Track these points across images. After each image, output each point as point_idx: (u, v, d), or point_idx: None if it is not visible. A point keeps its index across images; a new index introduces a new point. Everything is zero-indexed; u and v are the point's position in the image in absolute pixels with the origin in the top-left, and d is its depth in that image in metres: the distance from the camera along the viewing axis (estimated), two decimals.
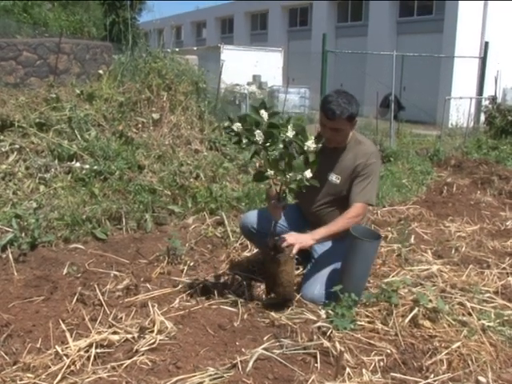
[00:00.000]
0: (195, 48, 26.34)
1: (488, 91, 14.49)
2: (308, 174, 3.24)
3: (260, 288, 3.87)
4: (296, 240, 3.52)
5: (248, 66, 20.97)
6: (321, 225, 3.72)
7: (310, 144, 3.26)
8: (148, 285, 3.92)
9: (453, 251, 4.90)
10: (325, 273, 3.77)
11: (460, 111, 13.93)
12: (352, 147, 3.85)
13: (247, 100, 14.17)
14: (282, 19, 34.04)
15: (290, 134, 3.26)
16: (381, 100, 15.54)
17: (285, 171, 3.26)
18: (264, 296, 3.73)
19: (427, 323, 3.39)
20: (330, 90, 12.87)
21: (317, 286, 3.71)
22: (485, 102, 13.88)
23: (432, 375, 2.91)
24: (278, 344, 3.09)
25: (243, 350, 3.04)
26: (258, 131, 3.26)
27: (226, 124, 3.45)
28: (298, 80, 21.42)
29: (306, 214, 4.05)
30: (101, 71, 8.61)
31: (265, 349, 3.00)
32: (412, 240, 5.06)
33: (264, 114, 3.30)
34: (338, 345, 3.06)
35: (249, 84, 20.38)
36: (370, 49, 21.53)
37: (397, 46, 21.38)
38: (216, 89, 10.34)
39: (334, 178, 3.83)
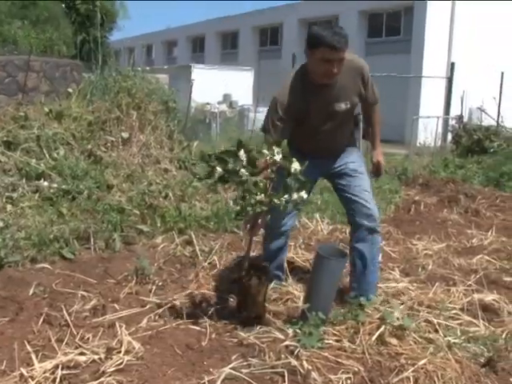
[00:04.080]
0: (166, 67, 26.38)
1: (455, 111, 14.75)
2: (304, 195, 3.31)
3: (228, 307, 3.86)
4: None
5: (218, 85, 21.04)
6: (336, 146, 4.02)
7: (296, 166, 3.28)
8: (116, 305, 3.88)
9: (420, 269, 4.96)
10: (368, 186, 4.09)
11: (428, 130, 14.13)
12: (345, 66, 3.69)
13: (217, 119, 14.23)
14: (252, 39, 34.31)
15: (277, 157, 3.26)
16: None
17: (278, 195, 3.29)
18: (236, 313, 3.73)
19: (394, 341, 3.41)
20: None
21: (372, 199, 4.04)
22: (451, 122, 14.13)
23: None
24: (245, 363, 3.09)
25: (211, 369, 3.03)
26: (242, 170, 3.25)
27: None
28: (269, 99, 21.53)
29: (319, 149, 3.95)
30: (70, 90, 8.59)
31: (232, 368, 3.00)
32: (380, 258, 5.10)
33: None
34: (305, 363, 3.07)
35: (219, 103, 20.44)
36: None
37: None
38: (186, 108, 10.37)
39: (342, 106, 3.79)
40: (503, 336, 3.65)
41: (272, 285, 4.07)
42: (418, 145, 14.37)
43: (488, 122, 14.49)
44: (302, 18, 29.34)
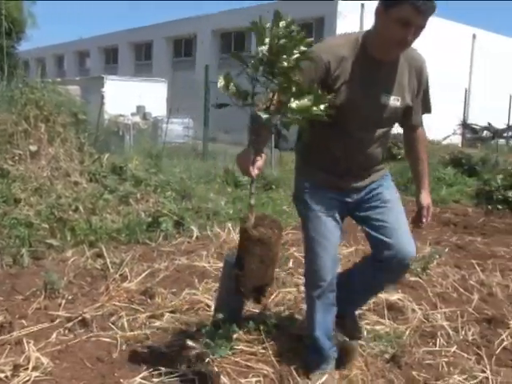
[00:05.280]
0: (78, 78, 25.92)
1: None
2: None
3: (139, 318, 3.85)
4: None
5: (132, 97, 20.86)
6: (362, 174, 3.12)
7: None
8: (23, 321, 3.79)
9: None
10: (406, 222, 3.14)
11: None
12: (403, 54, 2.94)
13: (131, 131, 14.10)
14: (166, 50, 34.23)
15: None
16: None
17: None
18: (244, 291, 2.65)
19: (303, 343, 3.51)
20: (213, 120, 13.04)
21: (411, 240, 3.06)
22: None
23: None
24: (156, 373, 3.10)
25: (121, 380, 3.03)
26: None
27: None
28: (183, 110, 21.57)
29: (348, 167, 3.08)
30: None
31: (143, 378, 3.02)
32: (290, 264, 5.21)
33: None
34: (215, 369, 3.11)
35: (133, 114, 20.28)
36: None
37: None
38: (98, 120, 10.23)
39: (392, 100, 2.95)
40: (407, 333, 3.83)
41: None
42: None
43: (397, 130, 14.96)
44: (216, 28, 29.53)
